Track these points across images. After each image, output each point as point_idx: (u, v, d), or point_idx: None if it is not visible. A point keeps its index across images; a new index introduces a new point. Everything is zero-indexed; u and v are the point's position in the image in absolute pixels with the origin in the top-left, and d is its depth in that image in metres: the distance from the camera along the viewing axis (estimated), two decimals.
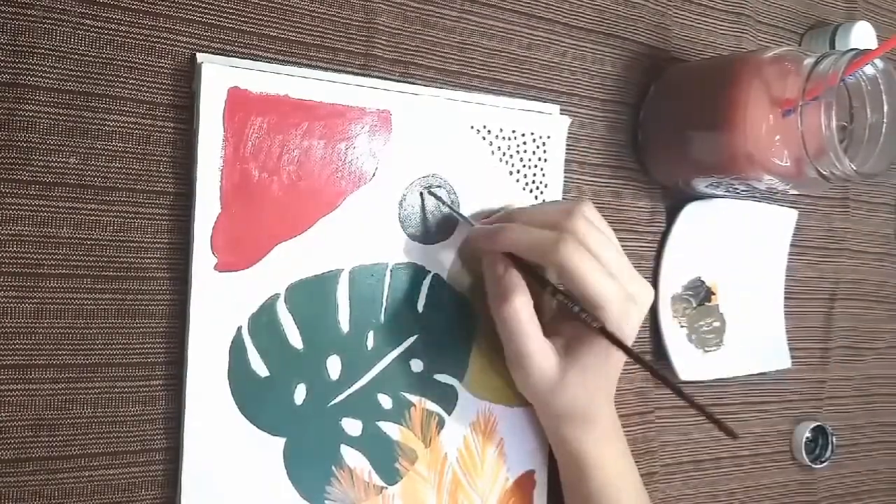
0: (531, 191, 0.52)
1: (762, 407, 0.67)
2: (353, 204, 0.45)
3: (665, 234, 0.59)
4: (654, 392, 0.60)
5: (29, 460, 0.39)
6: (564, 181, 0.54)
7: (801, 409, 0.69)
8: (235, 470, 0.42)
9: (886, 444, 0.76)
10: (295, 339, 0.44)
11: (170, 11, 0.42)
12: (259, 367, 0.43)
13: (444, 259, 0.49)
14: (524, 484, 0.52)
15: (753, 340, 0.64)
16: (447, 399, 0.49)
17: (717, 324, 0.62)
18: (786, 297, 0.66)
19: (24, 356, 0.39)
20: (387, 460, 0.47)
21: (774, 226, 0.65)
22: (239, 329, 0.42)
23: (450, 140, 0.49)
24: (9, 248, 0.38)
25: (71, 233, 0.40)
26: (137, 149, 0.41)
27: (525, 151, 0.51)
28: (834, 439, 0.69)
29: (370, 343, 0.46)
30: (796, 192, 0.65)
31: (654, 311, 0.59)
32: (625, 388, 0.58)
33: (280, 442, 0.44)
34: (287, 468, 0.44)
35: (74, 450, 0.40)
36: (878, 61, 0.49)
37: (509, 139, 0.51)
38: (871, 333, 0.74)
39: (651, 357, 0.60)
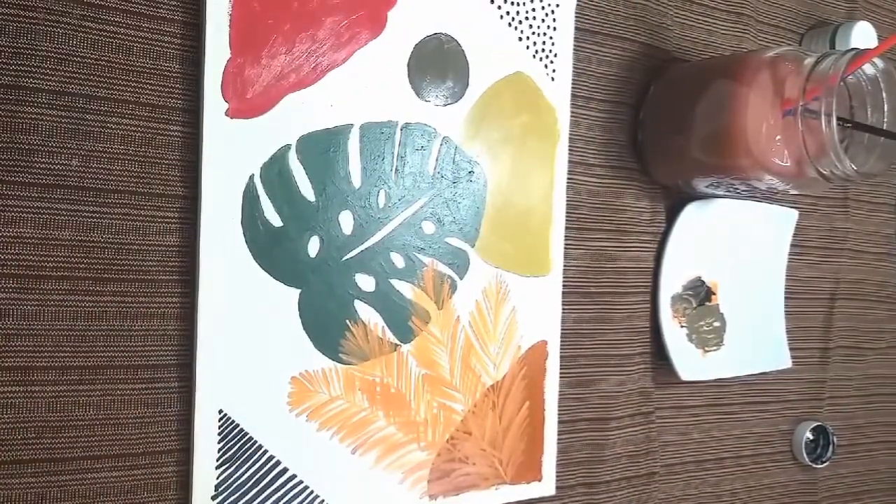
0: (541, 59, 0.52)
1: (763, 407, 0.67)
2: (362, 59, 0.46)
3: (665, 234, 0.59)
4: (656, 392, 0.60)
5: (32, 462, 0.39)
6: (568, 178, 0.54)
7: (802, 409, 0.69)
8: (251, 317, 0.43)
9: (887, 444, 0.76)
10: (307, 190, 0.44)
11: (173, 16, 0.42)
12: (272, 217, 0.43)
13: (454, 123, 0.49)
14: (537, 353, 0.53)
15: (753, 340, 0.64)
16: (459, 263, 0.50)
17: (717, 324, 0.62)
18: (786, 297, 0.66)
19: (26, 358, 0.39)
20: (400, 318, 0.48)
21: (774, 226, 0.65)
22: (251, 177, 0.43)
23: (460, 1, 0.49)
24: (10, 250, 0.38)
25: (72, 235, 0.40)
26: (140, 150, 0.41)
27: (534, 18, 0.51)
28: (835, 439, 0.69)
29: (381, 201, 0.47)
30: (796, 192, 0.65)
31: (654, 311, 0.59)
32: (627, 387, 0.58)
33: (295, 293, 0.44)
34: (302, 319, 0.44)
35: (77, 452, 0.40)
36: (878, 61, 0.49)
37: (517, 3, 0.51)
38: (872, 333, 0.74)
39: (651, 357, 0.60)
